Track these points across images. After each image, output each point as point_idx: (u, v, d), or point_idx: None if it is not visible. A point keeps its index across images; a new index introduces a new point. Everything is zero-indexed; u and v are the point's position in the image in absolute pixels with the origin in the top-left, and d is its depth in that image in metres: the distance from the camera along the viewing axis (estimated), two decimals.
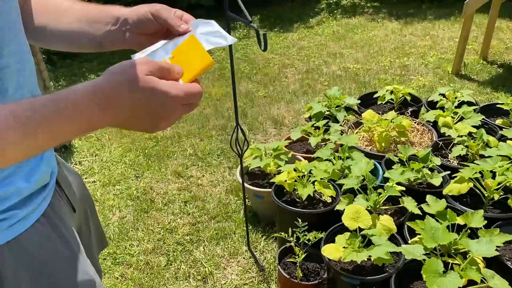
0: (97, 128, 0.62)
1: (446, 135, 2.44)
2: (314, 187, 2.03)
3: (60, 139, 0.59)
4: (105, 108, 0.60)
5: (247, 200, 2.35)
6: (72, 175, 0.98)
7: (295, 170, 2.12)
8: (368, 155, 2.37)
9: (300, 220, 1.90)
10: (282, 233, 1.91)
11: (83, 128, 0.60)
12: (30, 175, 0.75)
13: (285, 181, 2.07)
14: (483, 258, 1.58)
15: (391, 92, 2.96)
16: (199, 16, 0.80)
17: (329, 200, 2.06)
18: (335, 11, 6.23)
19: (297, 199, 2.14)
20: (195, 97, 0.66)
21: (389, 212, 2.04)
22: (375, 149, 2.52)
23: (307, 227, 1.88)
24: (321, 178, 2.06)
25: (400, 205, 1.92)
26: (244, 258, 2.20)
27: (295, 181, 2.07)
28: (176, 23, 0.76)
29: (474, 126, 2.43)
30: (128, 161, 3.08)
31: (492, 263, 1.58)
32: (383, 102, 2.94)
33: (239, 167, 2.51)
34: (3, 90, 0.67)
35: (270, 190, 2.23)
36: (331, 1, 6.61)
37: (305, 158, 2.50)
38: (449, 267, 1.49)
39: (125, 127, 0.65)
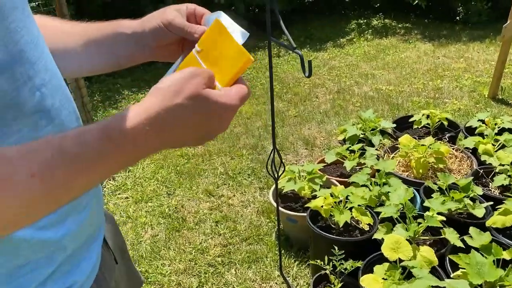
0: (152, 153, 0.58)
1: (487, 163, 2.37)
2: (351, 214, 2.00)
3: (112, 172, 0.56)
4: (162, 133, 0.55)
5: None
6: (108, 219, 0.89)
7: (331, 195, 2.08)
8: (405, 181, 2.32)
9: (336, 248, 1.86)
10: (318, 261, 1.88)
11: (138, 156, 0.56)
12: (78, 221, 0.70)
13: (321, 206, 2.03)
14: None
15: (427, 117, 2.91)
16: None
17: (366, 227, 2.02)
18: (366, 32, 6.20)
19: (333, 225, 2.10)
20: (245, 100, 0.63)
21: (428, 243, 1.98)
22: (412, 175, 2.46)
23: (344, 255, 1.84)
24: (358, 205, 2.02)
25: (440, 236, 1.86)
26: (276, 283, 2.16)
27: (332, 207, 2.04)
28: (192, 30, 0.71)
29: None
30: (160, 178, 3.09)
31: None
32: (419, 127, 2.89)
33: (272, 188, 2.49)
34: (45, 110, 0.61)
35: (304, 214, 2.20)
36: (361, 21, 6.60)
37: (339, 182, 2.47)
38: None
39: (177, 147, 0.62)
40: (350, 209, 2.03)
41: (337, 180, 2.48)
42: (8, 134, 0.56)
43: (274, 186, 2.51)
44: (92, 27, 0.78)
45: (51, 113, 0.62)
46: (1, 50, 0.53)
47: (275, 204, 2.32)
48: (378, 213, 2.06)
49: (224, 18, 0.68)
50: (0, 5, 0.52)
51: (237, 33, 0.67)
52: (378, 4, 6.90)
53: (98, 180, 0.55)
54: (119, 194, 2.94)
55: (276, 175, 2.02)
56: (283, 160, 3.20)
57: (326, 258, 1.87)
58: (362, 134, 2.78)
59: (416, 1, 6.12)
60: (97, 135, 0.52)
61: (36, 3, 3.40)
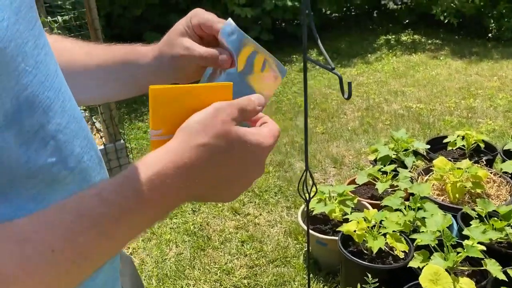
0: (180, 204, 0.52)
1: None
2: (385, 240, 1.91)
3: (140, 230, 0.48)
4: (189, 181, 0.49)
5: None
6: (125, 261, 0.80)
7: (364, 219, 2.00)
8: (441, 206, 2.22)
9: (369, 275, 1.78)
10: None
11: (165, 209, 0.50)
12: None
13: (354, 231, 1.95)
14: None
15: (463, 138, 2.80)
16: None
17: (401, 255, 1.92)
18: (395, 47, 6.11)
19: (365, 251, 2.02)
20: (278, 139, 0.57)
21: (466, 273, 1.88)
22: (447, 199, 2.36)
23: (377, 283, 1.75)
24: (393, 231, 1.93)
25: (481, 268, 1.76)
26: None
27: (365, 232, 1.96)
28: (218, 62, 0.64)
29: None
30: None
31: None
32: (454, 148, 2.78)
33: (301, 209, 2.42)
34: (62, 159, 0.53)
35: (335, 238, 2.13)
36: (389, 37, 6.51)
37: (371, 204, 2.38)
38: None
39: (209, 199, 0.55)
40: (384, 234, 1.94)
41: (368, 203, 2.40)
42: (23, 195, 0.49)
43: (303, 207, 2.44)
44: (108, 55, 0.72)
45: (68, 162, 0.54)
46: (6, 102, 0.45)
47: (305, 227, 2.25)
48: (413, 240, 1.97)
49: (247, 38, 0.64)
50: (4, 46, 0.44)
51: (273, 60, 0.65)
52: (407, 20, 6.80)
53: (126, 239, 0.48)
54: None
55: (307, 197, 1.95)
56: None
57: (358, 286, 1.79)
58: (394, 154, 2.69)
59: (448, 19, 6.01)
60: (117, 189, 0.46)
61: (69, 17, 3.45)
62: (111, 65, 0.72)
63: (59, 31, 3.07)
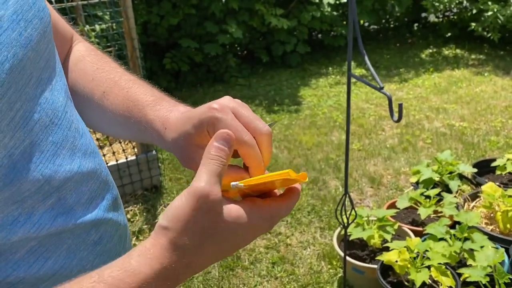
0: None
1: None
2: (429, 273, 1.76)
3: None
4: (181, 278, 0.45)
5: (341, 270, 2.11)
6: None
7: (407, 249, 1.86)
8: (490, 237, 2.04)
9: None
10: None
11: None
12: None
13: (396, 261, 1.81)
14: None
15: None
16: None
17: None
18: (436, 62, 5.89)
19: (406, 282, 1.87)
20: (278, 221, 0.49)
21: None
22: (497, 229, 2.18)
23: None
24: (438, 263, 1.78)
25: None
26: None
27: (407, 263, 1.81)
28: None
29: None
30: None
31: None
32: (503, 173, 2.59)
33: (337, 232, 2.29)
34: (67, 209, 0.50)
35: (373, 266, 1.99)
36: (431, 51, 6.29)
37: (412, 231, 2.23)
38: None
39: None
40: (428, 266, 1.79)
41: (410, 229, 2.24)
42: (20, 251, 0.46)
43: (338, 229, 2.31)
44: (124, 109, 0.62)
45: (74, 215, 0.50)
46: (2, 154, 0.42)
47: (340, 251, 2.12)
48: (459, 274, 1.82)
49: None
50: (0, 95, 0.40)
51: None
52: (449, 34, 6.56)
53: None
54: None
55: (346, 222, 1.83)
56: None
57: None
58: (438, 177, 2.52)
59: (490, 34, 5.75)
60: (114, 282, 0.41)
61: (106, 25, 3.46)
62: (123, 120, 0.63)
63: (97, 40, 3.07)
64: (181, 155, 0.55)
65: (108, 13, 3.29)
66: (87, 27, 3.12)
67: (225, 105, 0.50)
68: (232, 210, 0.45)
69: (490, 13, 5.62)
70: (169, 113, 0.57)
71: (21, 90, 0.43)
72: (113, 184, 0.61)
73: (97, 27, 3.19)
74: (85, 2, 3.06)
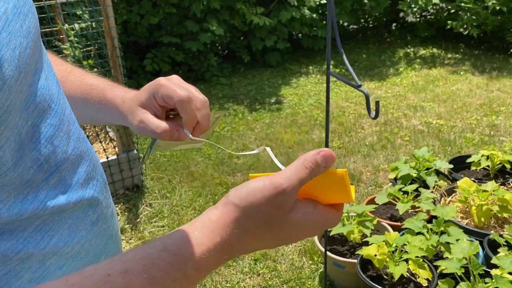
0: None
1: None
2: (407, 266, 1.81)
3: None
4: (234, 254, 0.49)
5: (322, 265, 2.15)
6: None
7: (385, 243, 1.90)
8: (465, 230, 2.11)
9: None
10: None
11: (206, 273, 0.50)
12: None
13: (375, 255, 1.86)
14: None
15: (487, 158, 2.69)
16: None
17: (424, 283, 1.82)
18: (414, 61, 6.00)
19: (385, 276, 1.92)
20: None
21: None
22: (472, 223, 2.25)
23: None
24: (416, 256, 1.83)
25: None
26: None
27: (386, 256, 1.86)
28: (171, 137, 0.63)
29: None
30: (198, 207, 2.98)
31: None
32: (478, 168, 2.67)
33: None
34: (65, 191, 0.54)
35: (353, 260, 2.03)
36: (408, 51, 6.40)
37: (391, 226, 2.28)
38: None
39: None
40: (406, 260, 1.84)
41: (388, 224, 2.30)
42: (28, 228, 0.51)
43: None
44: (83, 93, 0.70)
45: (73, 192, 0.55)
46: (11, 140, 0.46)
47: (321, 247, 2.16)
48: (436, 266, 1.87)
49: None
50: (15, 78, 0.45)
51: None
52: (426, 34, 6.69)
53: None
54: (155, 221, 2.84)
55: None
56: None
57: None
58: (415, 173, 2.59)
59: (468, 31, 5.88)
60: (168, 270, 0.44)
61: (85, 24, 3.43)
62: (81, 102, 0.70)
63: (76, 39, 3.05)
64: (132, 120, 0.63)
65: (87, 11, 3.26)
66: (66, 26, 3.09)
67: (171, 77, 0.63)
68: (299, 212, 0.49)
69: (467, 12, 5.74)
70: (126, 93, 0.67)
71: (26, 75, 0.47)
72: (102, 169, 0.66)
73: (77, 26, 3.16)
74: (64, 1, 3.03)
